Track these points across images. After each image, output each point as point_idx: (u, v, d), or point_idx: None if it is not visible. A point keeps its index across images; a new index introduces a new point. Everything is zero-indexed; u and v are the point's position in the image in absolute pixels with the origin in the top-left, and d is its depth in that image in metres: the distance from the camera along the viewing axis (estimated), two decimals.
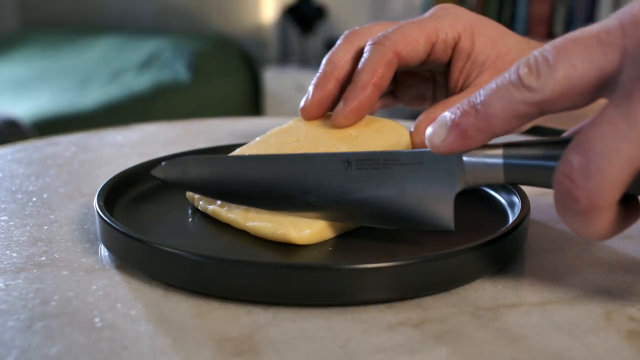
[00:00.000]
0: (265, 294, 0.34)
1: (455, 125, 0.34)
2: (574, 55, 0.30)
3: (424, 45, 0.47)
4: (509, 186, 0.45)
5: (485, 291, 0.36)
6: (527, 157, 0.34)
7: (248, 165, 0.42)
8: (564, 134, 0.35)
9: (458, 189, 0.37)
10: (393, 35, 0.46)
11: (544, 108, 0.31)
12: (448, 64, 0.50)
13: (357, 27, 0.50)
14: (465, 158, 0.35)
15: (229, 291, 0.34)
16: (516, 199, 0.43)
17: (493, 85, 0.33)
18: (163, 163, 0.44)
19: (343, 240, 0.40)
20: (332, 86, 0.47)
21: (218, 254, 0.35)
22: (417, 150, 0.38)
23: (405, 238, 0.41)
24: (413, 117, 0.50)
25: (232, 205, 0.42)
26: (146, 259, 0.37)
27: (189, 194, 0.45)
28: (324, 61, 0.48)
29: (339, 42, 0.49)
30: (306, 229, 0.39)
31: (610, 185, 0.28)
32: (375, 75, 0.45)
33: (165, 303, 0.35)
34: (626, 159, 0.28)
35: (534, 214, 0.46)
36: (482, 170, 0.35)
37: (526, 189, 0.45)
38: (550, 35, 2.40)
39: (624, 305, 0.34)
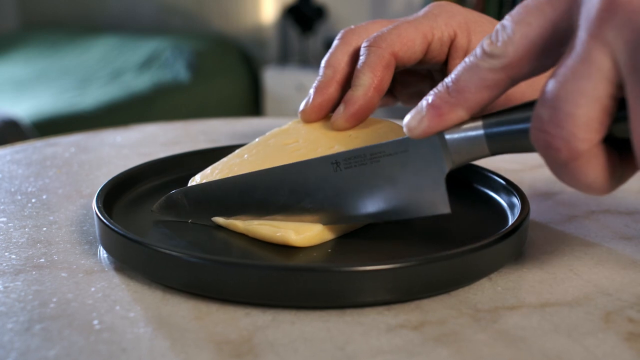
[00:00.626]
0: (264, 296, 0.34)
1: (429, 106, 0.35)
2: (528, 15, 0.32)
3: (420, 45, 0.47)
4: (509, 188, 0.45)
5: (485, 293, 0.36)
6: (506, 122, 0.34)
7: (240, 183, 0.42)
8: None
9: (446, 169, 0.37)
10: (389, 36, 0.46)
11: (511, 73, 0.33)
12: (445, 62, 0.49)
13: (352, 26, 0.50)
14: (447, 136, 0.36)
15: (228, 293, 0.34)
16: (516, 201, 0.43)
17: (462, 63, 0.34)
18: (157, 204, 0.44)
19: (342, 242, 0.40)
20: (333, 90, 0.47)
21: (217, 256, 0.35)
22: (400, 138, 0.38)
23: (405, 240, 0.41)
24: None
25: None
26: (145, 261, 0.37)
27: None
28: (323, 64, 0.48)
29: (336, 42, 0.49)
30: (305, 232, 0.39)
31: (583, 125, 0.29)
32: (375, 78, 0.45)
33: (164, 305, 0.35)
34: (591, 97, 0.29)
35: (533, 216, 0.46)
36: (465, 145, 0.36)
37: (526, 191, 0.45)
38: None
39: (623, 307, 0.34)
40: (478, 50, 0.33)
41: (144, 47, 2.97)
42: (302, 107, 0.47)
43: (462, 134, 0.36)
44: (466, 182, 0.49)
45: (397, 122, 0.48)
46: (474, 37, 0.48)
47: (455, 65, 0.48)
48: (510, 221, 0.42)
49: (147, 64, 2.88)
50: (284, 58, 3.09)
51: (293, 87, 2.81)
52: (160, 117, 2.47)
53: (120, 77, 2.82)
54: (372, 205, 0.39)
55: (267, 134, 0.48)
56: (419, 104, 0.36)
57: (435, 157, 0.37)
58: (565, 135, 0.29)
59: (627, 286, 0.37)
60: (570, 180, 0.31)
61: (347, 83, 0.48)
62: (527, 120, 0.33)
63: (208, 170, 0.46)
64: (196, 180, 0.45)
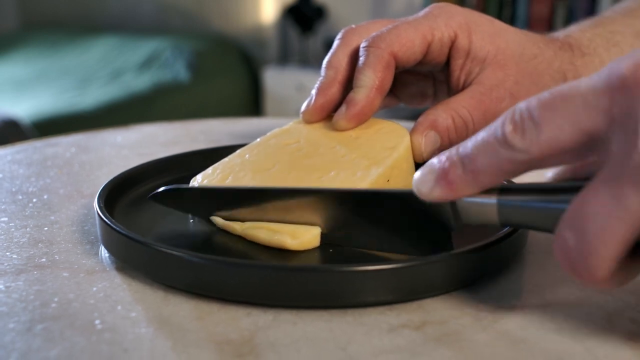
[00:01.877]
0: (265, 296, 0.34)
1: (443, 176, 0.33)
2: (560, 116, 0.29)
3: (420, 46, 0.47)
4: None
5: (486, 293, 0.36)
6: (522, 202, 0.33)
7: (244, 196, 0.41)
8: (555, 174, 0.35)
9: (453, 228, 0.36)
10: (388, 36, 0.46)
11: (530, 166, 0.31)
12: (446, 63, 0.49)
13: (353, 26, 0.50)
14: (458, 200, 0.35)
15: (230, 293, 0.34)
16: None
17: (480, 138, 0.32)
18: (160, 189, 0.43)
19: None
20: (335, 90, 0.47)
21: (219, 256, 0.35)
22: (409, 190, 0.36)
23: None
24: (413, 117, 0.50)
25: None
26: (147, 261, 0.37)
27: None
28: (324, 64, 0.48)
29: (336, 43, 0.49)
30: (302, 236, 0.39)
31: (606, 261, 0.29)
32: (376, 79, 0.45)
33: (166, 305, 0.35)
34: (619, 238, 0.28)
35: None
36: (475, 212, 0.35)
37: None
38: None
39: (625, 308, 0.34)
40: (499, 132, 0.31)
41: (144, 47, 2.97)
42: (304, 107, 0.47)
43: (474, 200, 0.34)
44: None
45: (399, 122, 0.48)
46: (474, 38, 0.48)
47: (456, 66, 0.48)
48: None
49: (147, 64, 2.88)
50: (284, 58, 3.09)
51: (293, 87, 2.81)
52: (160, 117, 2.47)
53: (120, 77, 2.82)
54: (372, 238, 0.39)
55: (268, 134, 0.48)
56: (430, 163, 0.34)
57: (443, 216, 0.36)
58: (588, 266, 0.29)
59: (629, 287, 0.36)
60: (580, 282, 0.30)
61: (349, 83, 0.47)
62: (544, 203, 0.32)
63: (209, 170, 0.46)
64: (197, 180, 0.45)
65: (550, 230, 0.32)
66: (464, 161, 0.33)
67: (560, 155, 0.30)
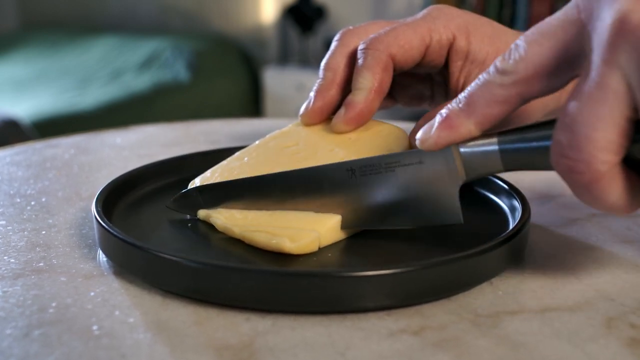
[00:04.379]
0: (264, 301, 0.34)
1: (441, 120, 0.36)
2: (540, 37, 0.33)
3: (418, 48, 0.47)
4: (510, 191, 0.45)
5: (485, 298, 0.36)
6: (521, 140, 0.35)
7: (254, 184, 0.42)
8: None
9: (460, 182, 0.38)
10: (386, 38, 0.46)
11: (521, 90, 0.34)
12: (445, 65, 0.49)
13: (351, 27, 0.50)
14: (462, 149, 0.37)
15: (228, 298, 0.34)
16: (517, 204, 0.43)
17: (475, 80, 0.36)
18: (173, 201, 0.44)
19: (342, 247, 0.40)
20: (334, 92, 0.47)
21: (217, 261, 0.35)
22: (416, 150, 0.39)
23: (405, 244, 0.41)
24: (412, 118, 0.50)
25: (230, 213, 0.42)
26: (145, 266, 0.36)
27: None
28: (322, 66, 0.48)
29: (334, 44, 0.49)
30: (301, 239, 0.38)
31: (603, 148, 0.30)
32: (375, 81, 0.45)
33: (164, 310, 0.34)
34: (608, 120, 0.30)
35: (534, 219, 0.46)
36: (480, 159, 0.37)
37: (527, 193, 0.44)
38: None
39: (625, 313, 0.34)
40: (491, 68, 0.35)
41: (144, 47, 2.97)
42: (302, 110, 0.47)
43: (477, 149, 0.37)
44: (467, 185, 0.49)
45: (398, 124, 0.47)
46: (473, 40, 0.48)
47: (456, 68, 0.48)
48: (511, 225, 0.42)
49: (147, 64, 2.87)
50: (284, 58, 3.09)
51: (293, 87, 2.81)
52: (160, 117, 2.47)
53: (120, 77, 2.82)
54: (385, 211, 0.40)
55: (267, 136, 0.47)
56: (432, 119, 0.37)
57: (450, 170, 0.38)
58: (586, 158, 0.30)
59: (629, 291, 0.36)
60: (592, 201, 0.32)
61: (348, 85, 0.47)
62: (541, 138, 0.34)
63: (208, 173, 0.46)
64: (196, 183, 0.45)
65: (552, 166, 0.33)
66: (460, 100, 0.36)
67: (547, 75, 0.33)
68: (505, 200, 0.45)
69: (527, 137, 0.35)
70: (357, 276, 0.33)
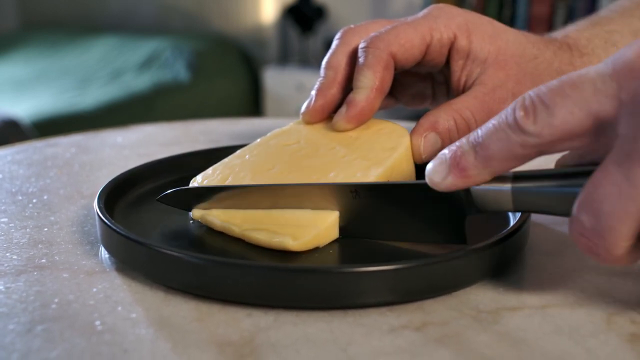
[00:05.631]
0: (266, 297, 0.34)
1: (455, 164, 0.34)
2: (571, 101, 0.31)
3: (419, 46, 0.47)
4: None
5: (487, 294, 0.36)
6: (536, 189, 0.34)
7: (251, 193, 0.42)
8: (566, 160, 0.37)
9: (467, 214, 0.37)
10: (387, 37, 0.46)
11: (541, 150, 0.32)
12: (446, 64, 0.49)
13: (352, 26, 0.50)
14: (473, 188, 0.36)
15: (230, 294, 0.34)
16: None
17: (490, 125, 0.33)
18: (163, 196, 0.44)
19: (343, 243, 0.40)
20: (335, 91, 0.47)
21: (219, 257, 0.35)
22: (424, 182, 0.37)
23: (406, 241, 0.41)
24: (413, 117, 0.50)
25: (229, 213, 0.42)
26: (147, 262, 0.37)
27: None
28: (323, 65, 0.48)
29: (335, 43, 0.49)
30: (303, 237, 0.38)
31: (623, 239, 0.30)
32: (376, 79, 0.45)
33: (166, 306, 0.35)
34: (633, 215, 0.29)
35: (534, 217, 0.46)
36: (491, 199, 0.36)
37: None
38: None
39: (625, 309, 0.34)
40: (510, 118, 0.32)
41: (144, 47, 2.97)
42: (303, 108, 0.47)
43: (489, 188, 0.35)
44: None
45: (399, 123, 0.48)
46: (474, 39, 0.48)
47: (457, 67, 0.48)
48: (512, 222, 0.42)
49: (147, 64, 2.87)
50: (284, 58, 3.09)
51: (293, 87, 2.81)
52: (160, 117, 2.47)
53: (120, 77, 2.82)
54: (388, 228, 0.40)
55: (268, 134, 0.48)
56: (442, 153, 0.35)
57: (458, 202, 0.37)
58: (607, 246, 0.30)
59: (629, 287, 0.37)
60: (601, 263, 0.32)
61: (349, 84, 0.47)
62: (557, 194, 0.34)
63: (209, 170, 0.46)
64: (197, 180, 0.45)
65: (563, 214, 0.33)
66: (476, 148, 0.34)
67: (570, 139, 0.32)
68: None
69: (542, 187, 0.34)
70: (358, 272, 0.33)
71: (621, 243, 0.30)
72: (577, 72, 0.31)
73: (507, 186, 0.35)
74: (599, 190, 0.30)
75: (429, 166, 0.36)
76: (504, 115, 0.33)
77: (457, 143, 0.35)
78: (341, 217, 0.40)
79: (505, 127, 0.32)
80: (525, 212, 0.37)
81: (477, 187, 0.35)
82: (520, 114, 0.32)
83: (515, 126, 0.32)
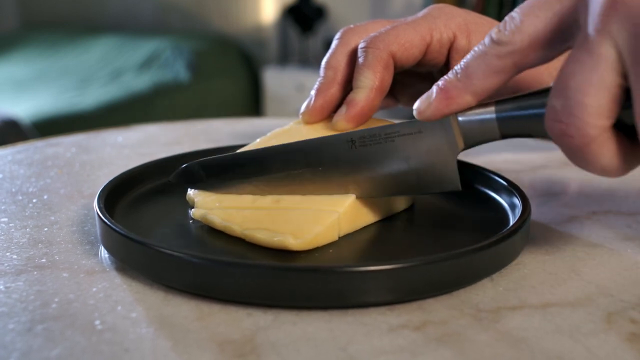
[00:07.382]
0: (266, 296, 0.34)
1: (438, 90, 0.38)
2: (536, 8, 0.34)
3: (419, 46, 0.47)
4: (510, 188, 0.45)
5: (487, 293, 0.36)
6: (518, 108, 0.37)
7: (257, 157, 0.43)
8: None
9: (458, 149, 0.39)
10: (387, 37, 0.46)
11: (516, 60, 0.35)
12: (446, 64, 0.49)
13: (352, 26, 0.50)
14: (460, 118, 0.38)
15: (230, 294, 0.34)
16: (517, 201, 0.43)
17: (471, 52, 0.37)
18: (174, 174, 0.46)
19: (344, 242, 0.40)
20: (334, 91, 0.47)
21: (219, 257, 0.35)
22: (414, 120, 0.40)
23: (406, 240, 0.41)
24: (413, 117, 0.50)
25: (229, 213, 0.42)
26: (147, 262, 0.37)
27: (189, 196, 0.45)
28: (323, 65, 0.48)
29: (335, 42, 0.49)
30: (303, 235, 0.38)
31: (593, 113, 0.31)
32: (376, 79, 0.45)
33: (166, 305, 0.35)
34: (599, 86, 0.31)
35: (534, 217, 0.46)
36: (477, 128, 0.38)
37: (527, 192, 0.45)
38: None
39: (625, 308, 0.34)
40: (487, 39, 0.36)
41: (144, 47, 2.97)
42: (303, 108, 0.47)
43: (475, 117, 0.38)
44: (467, 182, 0.49)
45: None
46: (473, 39, 0.48)
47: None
48: (512, 221, 0.42)
49: (147, 64, 2.88)
50: (284, 58, 3.09)
51: (293, 87, 2.81)
52: (161, 117, 2.47)
53: (120, 77, 2.82)
54: (385, 180, 0.41)
55: (268, 134, 0.48)
56: (430, 90, 0.38)
57: (448, 138, 0.39)
58: (578, 123, 0.32)
59: (629, 287, 0.37)
60: (585, 164, 0.33)
61: (348, 83, 0.47)
62: (536, 106, 0.36)
63: None
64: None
65: (547, 134, 0.34)
66: (457, 71, 0.37)
67: (540, 44, 0.34)
68: (506, 197, 0.46)
69: (523, 105, 0.36)
70: (358, 271, 0.33)
71: (591, 120, 0.31)
72: None
73: (491, 109, 0.37)
74: (565, 71, 0.32)
75: (417, 102, 0.39)
76: (482, 41, 0.36)
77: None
78: (343, 179, 0.41)
79: (482, 47, 0.36)
80: (512, 137, 0.38)
81: (464, 118, 0.38)
82: (494, 31, 0.35)
83: (490, 41, 0.35)
